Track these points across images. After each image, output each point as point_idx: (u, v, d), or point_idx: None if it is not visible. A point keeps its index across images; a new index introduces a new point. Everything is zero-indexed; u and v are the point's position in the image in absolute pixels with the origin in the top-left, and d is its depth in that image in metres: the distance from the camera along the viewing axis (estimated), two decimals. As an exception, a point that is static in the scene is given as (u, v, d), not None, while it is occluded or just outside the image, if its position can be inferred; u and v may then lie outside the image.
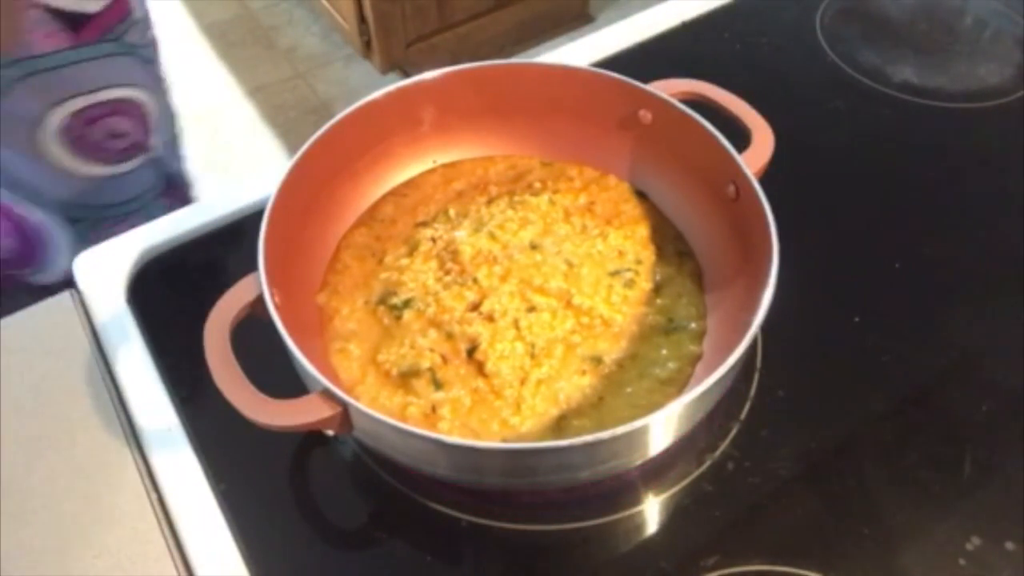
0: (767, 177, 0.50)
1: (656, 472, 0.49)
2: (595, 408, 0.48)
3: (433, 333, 0.49)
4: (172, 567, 0.46)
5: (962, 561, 0.46)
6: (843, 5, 0.80)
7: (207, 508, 0.48)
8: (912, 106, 0.70)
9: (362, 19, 2.02)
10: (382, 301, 0.52)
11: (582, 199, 0.57)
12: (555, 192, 0.57)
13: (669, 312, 0.52)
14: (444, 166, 0.60)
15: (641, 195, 0.58)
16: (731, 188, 0.51)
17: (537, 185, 0.58)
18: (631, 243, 0.55)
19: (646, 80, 0.55)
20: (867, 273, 0.59)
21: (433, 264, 0.52)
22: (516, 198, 0.57)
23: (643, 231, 0.56)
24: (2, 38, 0.61)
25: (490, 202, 0.57)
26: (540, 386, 0.48)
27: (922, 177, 0.65)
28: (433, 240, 0.54)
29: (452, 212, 0.57)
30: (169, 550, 0.47)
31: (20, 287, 0.72)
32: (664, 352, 0.50)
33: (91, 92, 0.68)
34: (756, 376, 0.53)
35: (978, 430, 0.51)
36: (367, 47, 2.08)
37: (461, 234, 0.53)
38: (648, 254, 0.55)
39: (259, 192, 0.62)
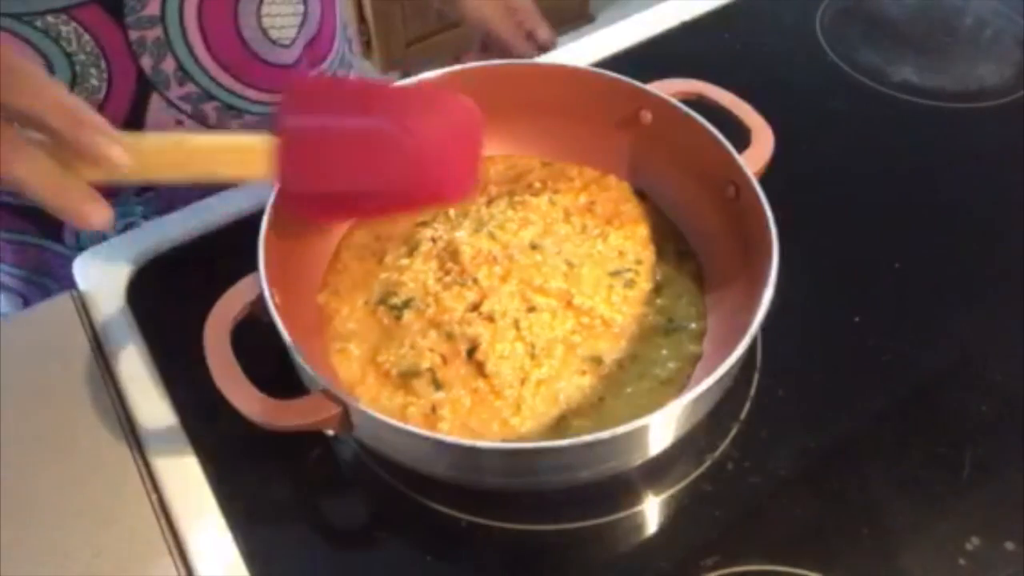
0: (767, 177, 0.50)
1: (656, 472, 0.49)
2: (595, 408, 0.48)
3: (433, 333, 0.49)
4: (172, 567, 0.46)
5: (962, 561, 0.46)
6: (843, 5, 0.80)
7: (207, 508, 0.48)
8: (912, 106, 0.70)
9: (362, 19, 2.02)
10: (382, 301, 0.52)
11: (582, 199, 0.57)
12: (555, 192, 0.57)
13: (669, 312, 0.52)
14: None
15: (641, 195, 0.58)
16: (731, 188, 0.51)
17: (537, 185, 0.58)
18: (631, 243, 0.55)
19: (646, 80, 0.55)
20: (867, 273, 0.59)
21: (433, 264, 0.52)
22: (516, 198, 0.57)
23: (643, 231, 0.56)
24: None
25: (490, 202, 0.57)
26: (540, 386, 0.48)
27: (922, 177, 0.65)
28: (433, 240, 0.54)
29: (452, 212, 0.56)
30: (169, 550, 0.47)
31: None
32: (664, 352, 0.50)
33: None
34: (756, 376, 0.53)
35: (978, 430, 0.51)
36: (367, 47, 2.08)
37: (461, 234, 0.53)
38: (648, 254, 0.55)
39: (259, 192, 0.61)
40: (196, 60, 0.60)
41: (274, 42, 0.64)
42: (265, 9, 0.62)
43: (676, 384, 0.49)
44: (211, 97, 0.62)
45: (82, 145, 0.37)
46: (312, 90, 0.46)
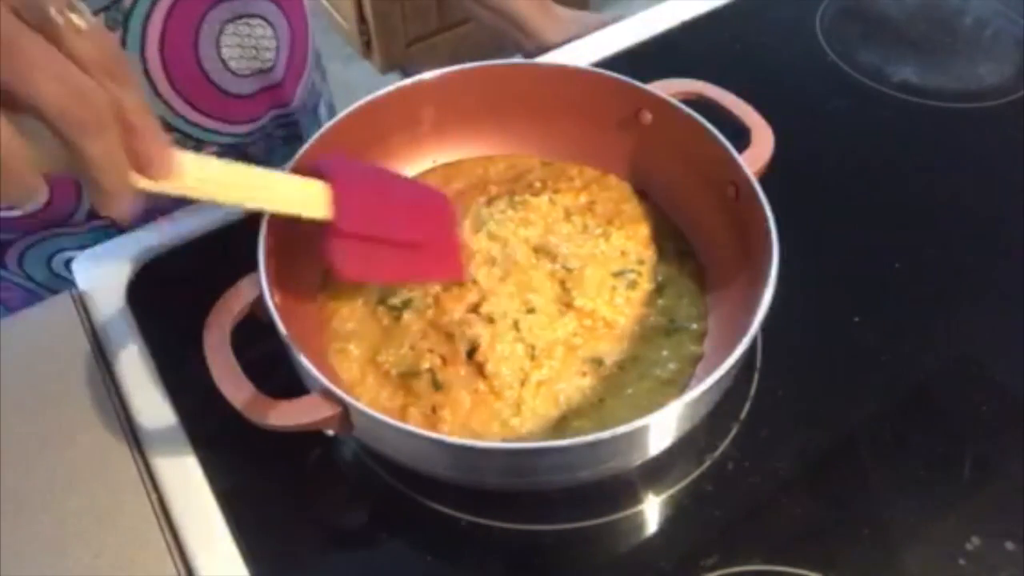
0: (767, 177, 0.50)
1: (656, 472, 0.49)
2: (596, 409, 0.48)
3: (432, 334, 0.49)
4: (172, 567, 0.46)
5: (962, 561, 0.46)
6: (843, 5, 0.80)
7: (207, 508, 0.48)
8: (912, 106, 0.70)
9: (362, 19, 2.02)
10: (382, 301, 0.52)
11: (582, 199, 0.57)
12: (555, 192, 0.57)
13: (671, 313, 0.52)
14: (444, 166, 0.60)
15: (642, 194, 0.58)
16: (731, 188, 0.51)
17: (537, 185, 0.58)
18: (633, 243, 0.55)
19: (646, 80, 0.55)
20: (867, 273, 0.59)
21: None
22: (516, 198, 0.57)
23: (644, 230, 0.56)
24: None
25: (490, 202, 0.57)
26: (540, 387, 0.48)
27: (922, 177, 0.65)
28: None
29: None
30: (169, 550, 0.47)
31: None
32: (665, 353, 0.50)
33: None
34: (756, 376, 0.53)
35: (978, 430, 0.51)
36: (367, 47, 2.08)
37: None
38: (650, 254, 0.55)
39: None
40: (156, 92, 0.59)
41: (234, 72, 0.63)
42: (225, 40, 0.61)
43: (677, 385, 0.49)
44: (170, 128, 0.61)
45: (130, 152, 0.33)
46: (350, 162, 0.51)
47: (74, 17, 0.31)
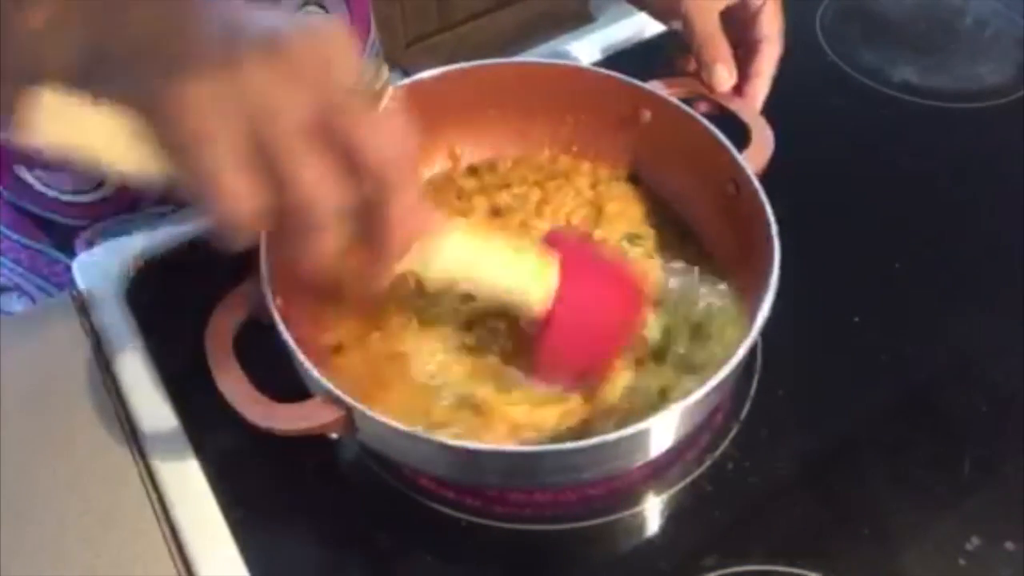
0: (767, 177, 0.50)
1: (656, 472, 0.49)
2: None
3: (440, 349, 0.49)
4: (172, 567, 0.46)
5: (962, 561, 0.46)
6: (843, 5, 0.79)
7: (207, 508, 0.48)
8: (912, 106, 0.70)
9: (362, 18, 2.02)
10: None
11: (588, 195, 0.57)
12: (561, 205, 0.57)
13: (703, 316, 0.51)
14: (444, 165, 0.60)
15: (634, 180, 0.58)
16: (731, 186, 0.51)
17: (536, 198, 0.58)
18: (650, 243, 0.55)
19: (646, 79, 0.55)
20: (867, 273, 0.59)
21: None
22: (531, 222, 0.56)
23: (650, 229, 0.56)
24: None
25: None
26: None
27: (922, 177, 0.65)
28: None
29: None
30: (169, 550, 0.47)
31: None
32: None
33: None
34: (756, 376, 0.53)
35: (978, 430, 0.51)
36: (367, 46, 2.08)
37: None
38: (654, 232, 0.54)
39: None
40: None
41: None
42: None
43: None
44: None
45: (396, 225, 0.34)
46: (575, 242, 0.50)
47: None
